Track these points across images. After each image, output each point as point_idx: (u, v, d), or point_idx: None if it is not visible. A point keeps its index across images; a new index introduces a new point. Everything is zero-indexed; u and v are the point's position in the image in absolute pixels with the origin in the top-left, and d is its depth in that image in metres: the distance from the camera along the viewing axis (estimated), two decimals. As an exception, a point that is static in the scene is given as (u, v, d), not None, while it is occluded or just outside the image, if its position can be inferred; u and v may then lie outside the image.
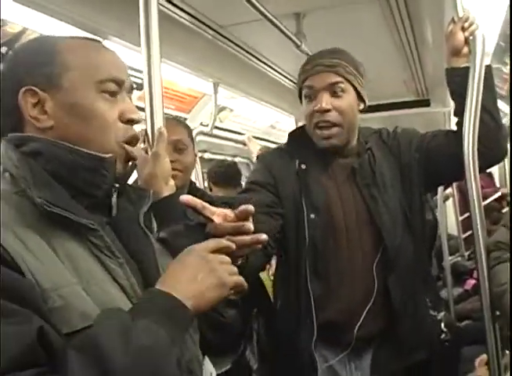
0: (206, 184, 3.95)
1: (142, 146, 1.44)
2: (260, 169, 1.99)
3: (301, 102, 1.94)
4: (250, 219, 1.19)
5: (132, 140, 1.10)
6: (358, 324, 1.84)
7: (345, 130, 1.86)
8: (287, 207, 1.88)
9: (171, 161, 1.83)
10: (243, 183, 5.33)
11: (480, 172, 1.83)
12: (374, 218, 1.86)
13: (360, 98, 1.91)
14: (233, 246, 1.07)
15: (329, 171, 1.92)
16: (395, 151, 1.97)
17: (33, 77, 1.04)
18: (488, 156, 1.85)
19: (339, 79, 1.84)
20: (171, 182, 1.39)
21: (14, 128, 1.06)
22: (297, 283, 1.88)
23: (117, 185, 1.10)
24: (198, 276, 0.99)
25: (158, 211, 1.31)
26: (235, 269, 1.05)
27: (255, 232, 1.56)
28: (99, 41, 1.16)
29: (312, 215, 1.85)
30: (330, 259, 1.86)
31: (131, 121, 1.09)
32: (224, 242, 1.06)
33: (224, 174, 3.31)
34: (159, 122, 1.43)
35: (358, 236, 1.88)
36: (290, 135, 2.05)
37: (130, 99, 1.13)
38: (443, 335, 2.29)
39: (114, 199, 1.11)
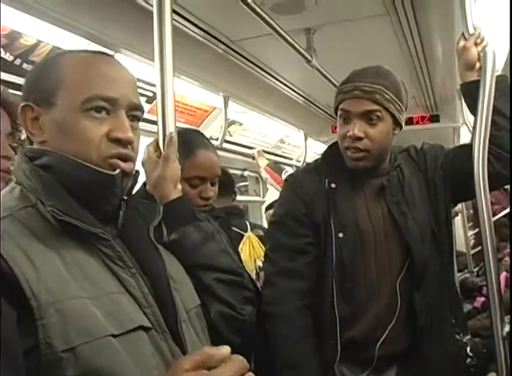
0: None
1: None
2: (290, 196, 1.95)
3: (336, 115, 1.91)
4: None
5: (118, 157, 1.07)
6: (380, 341, 1.81)
7: (375, 155, 1.84)
8: (318, 229, 1.86)
9: (207, 198, 1.82)
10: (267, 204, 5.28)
11: (500, 182, 1.81)
12: (403, 235, 1.83)
13: (396, 122, 1.87)
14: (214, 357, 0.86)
15: (359, 190, 1.90)
16: (422, 166, 1.95)
17: (34, 93, 1.07)
18: (506, 159, 1.82)
19: (376, 107, 1.79)
20: (179, 186, 1.40)
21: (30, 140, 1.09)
22: (322, 303, 1.84)
23: (125, 197, 1.11)
24: None
25: (167, 214, 1.32)
26: None
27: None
28: (105, 54, 1.16)
29: (340, 234, 1.82)
30: (358, 278, 1.83)
31: (118, 140, 1.06)
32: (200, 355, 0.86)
33: (220, 184, 3.26)
34: (171, 134, 1.44)
35: (386, 253, 1.85)
36: (325, 152, 2.03)
37: (136, 116, 1.13)
38: (469, 360, 2.26)
39: (122, 211, 1.12)
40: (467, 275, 4.72)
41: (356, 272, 1.83)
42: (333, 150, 1.98)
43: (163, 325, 1.03)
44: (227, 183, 3.32)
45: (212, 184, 1.90)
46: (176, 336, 1.06)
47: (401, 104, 1.85)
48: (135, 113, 1.12)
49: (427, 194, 1.92)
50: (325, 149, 2.06)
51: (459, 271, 4.48)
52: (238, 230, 2.65)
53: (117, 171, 1.05)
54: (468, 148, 1.96)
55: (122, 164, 1.07)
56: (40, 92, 1.06)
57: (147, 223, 1.19)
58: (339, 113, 1.88)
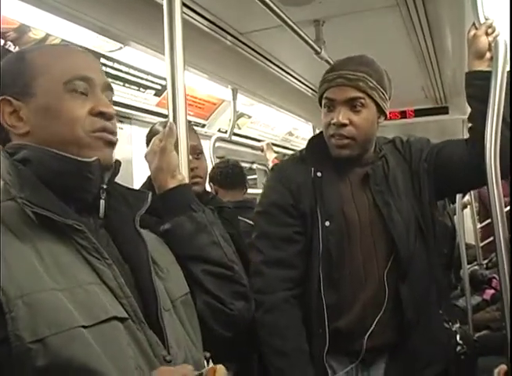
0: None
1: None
2: (277, 186, 1.94)
3: (321, 105, 1.92)
4: None
5: (103, 130, 1.10)
6: (368, 334, 1.81)
7: (359, 142, 1.84)
8: (305, 219, 1.86)
9: (193, 168, 1.83)
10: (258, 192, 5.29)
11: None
12: (388, 226, 1.83)
13: (381, 111, 1.87)
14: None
15: (345, 179, 1.90)
16: (407, 158, 1.95)
17: (8, 88, 1.09)
18: (506, 166, 1.81)
19: (360, 94, 1.80)
20: (179, 177, 1.41)
21: (4, 137, 1.11)
22: (309, 292, 1.85)
23: (104, 186, 1.13)
24: None
25: (163, 203, 1.35)
26: None
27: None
28: (68, 45, 1.22)
29: (327, 223, 1.83)
30: (344, 267, 1.83)
31: (102, 114, 1.10)
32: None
33: (230, 176, 3.28)
34: (182, 128, 1.44)
35: (372, 243, 1.85)
36: (310, 141, 2.03)
37: (109, 96, 1.16)
38: (459, 348, 2.26)
39: (103, 200, 1.13)
40: (477, 267, 4.70)
41: (343, 261, 1.83)
42: (318, 140, 1.98)
43: (140, 315, 1.04)
44: (239, 176, 3.33)
45: (196, 157, 1.95)
46: (156, 325, 1.07)
47: (384, 92, 1.85)
48: (108, 93, 1.17)
49: (411, 186, 1.92)
50: (309, 138, 2.07)
51: (468, 263, 4.45)
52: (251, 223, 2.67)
53: (94, 158, 1.08)
54: (455, 143, 1.96)
55: (109, 135, 1.12)
56: (16, 87, 1.09)
57: (134, 211, 1.20)
58: (323, 101, 1.88)
